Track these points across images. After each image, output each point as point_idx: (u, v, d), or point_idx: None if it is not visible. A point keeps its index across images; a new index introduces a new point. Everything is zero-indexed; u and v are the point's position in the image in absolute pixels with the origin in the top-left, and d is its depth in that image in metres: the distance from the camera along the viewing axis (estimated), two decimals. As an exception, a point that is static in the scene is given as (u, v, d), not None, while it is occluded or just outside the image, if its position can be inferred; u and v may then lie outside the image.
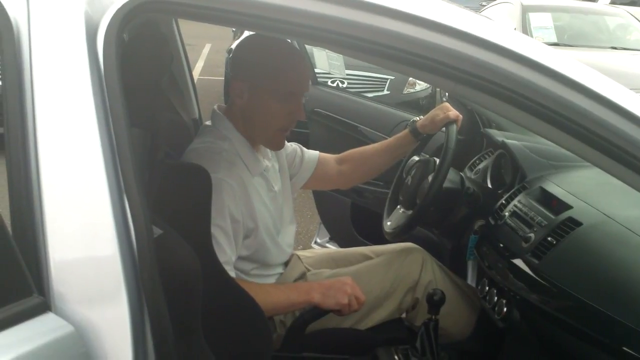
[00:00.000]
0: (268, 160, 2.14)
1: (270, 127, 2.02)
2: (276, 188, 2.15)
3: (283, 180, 2.24)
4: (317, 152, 2.47)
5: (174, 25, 2.64)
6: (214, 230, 1.80)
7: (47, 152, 1.13)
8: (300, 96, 2.01)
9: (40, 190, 1.11)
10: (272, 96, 1.97)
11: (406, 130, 2.50)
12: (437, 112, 2.44)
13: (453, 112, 2.40)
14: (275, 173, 2.19)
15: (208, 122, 2.10)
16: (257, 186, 2.04)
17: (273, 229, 2.11)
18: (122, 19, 1.18)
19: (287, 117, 2.00)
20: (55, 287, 1.11)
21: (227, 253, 1.91)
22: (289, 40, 2.08)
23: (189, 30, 1.97)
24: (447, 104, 2.47)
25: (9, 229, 1.10)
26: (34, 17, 1.17)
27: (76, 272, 1.12)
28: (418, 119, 2.49)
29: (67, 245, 1.12)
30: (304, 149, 2.45)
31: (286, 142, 2.30)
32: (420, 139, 2.50)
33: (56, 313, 1.10)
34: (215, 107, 2.10)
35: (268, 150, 2.17)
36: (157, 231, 1.27)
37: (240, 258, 2.04)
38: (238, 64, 2.02)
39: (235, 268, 2.03)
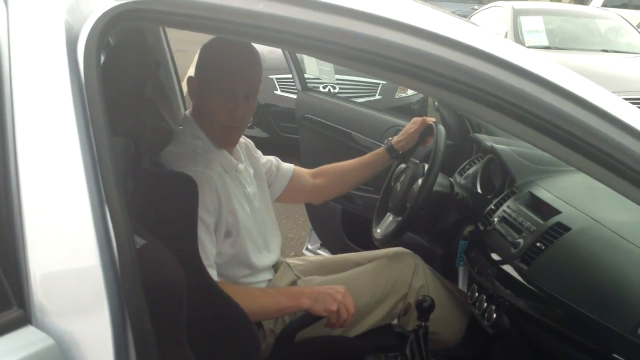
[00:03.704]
0: (241, 163, 2.16)
1: (213, 122, 2.05)
2: (249, 190, 2.16)
3: (260, 186, 2.27)
4: (292, 166, 2.52)
5: (161, 31, 2.63)
6: None
7: (27, 162, 1.11)
8: (237, 95, 2.01)
9: (20, 200, 1.10)
10: (209, 91, 2.02)
11: (382, 148, 2.57)
12: (410, 126, 2.56)
13: (426, 119, 2.51)
14: (250, 177, 2.21)
15: (180, 127, 2.13)
16: (231, 183, 2.06)
17: (252, 230, 2.12)
18: (102, 28, 1.17)
19: (227, 114, 2.02)
20: (36, 299, 1.09)
21: (206, 247, 1.92)
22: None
23: (181, 36, 1.97)
24: (417, 118, 2.57)
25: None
26: (13, 25, 1.16)
27: (57, 284, 1.10)
28: (392, 138, 2.57)
29: (47, 256, 1.10)
30: (280, 161, 2.49)
31: (261, 153, 2.33)
32: (394, 155, 2.55)
33: (36, 326, 1.08)
34: (187, 112, 2.14)
35: (241, 153, 2.21)
36: (140, 241, 1.25)
37: (228, 263, 2.04)
38: (196, 64, 2.07)
39: (225, 275, 2.02)
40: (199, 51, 2.07)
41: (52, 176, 1.12)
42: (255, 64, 2.06)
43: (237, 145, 2.19)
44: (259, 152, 2.38)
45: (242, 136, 2.32)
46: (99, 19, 1.17)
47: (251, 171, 2.23)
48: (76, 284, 1.11)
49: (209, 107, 2.03)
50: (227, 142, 2.11)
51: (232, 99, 2.01)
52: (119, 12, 1.18)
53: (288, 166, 2.50)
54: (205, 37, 1.98)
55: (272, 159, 2.46)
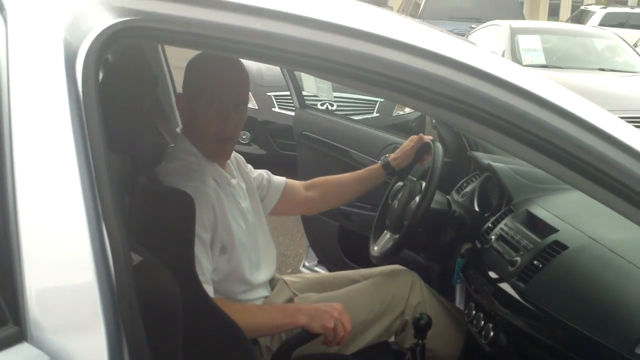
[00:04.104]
0: (233, 178, 2.16)
1: (205, 135, 2.03)
2: (243, 205, 2.15)
3: (252, 201, 2.26)
4: (284, 178, 2.52)
5: (159, 48, 2.64)
6: None
7: (25, 178, 1.11)
8: (224, 106, 2.01)
9: (17, 217, 1.10)
10: (198, 104, 2.01)
11: (378, 164, 2.58)
12: (407, 144, 2.57)
13: (423, 137, 2.52)
14: (243, 192, 2.20)
15: (172, 145, 2.12)
16: (225, 199, 2.06)
17: (247, 246, 2.11)
18: (101, 45, 1.17)
19: (219, 125, 2.02)
20: (31, 316, 1.09)
21: (203, 263, 1.91)
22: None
23: (179, 52, 1.98)
24: (415, 136, 2.57)
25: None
26: (12, 43, 1.16)
27: (52, 301, 1.10)
28: (388, 155, 2.57)
29: (43, 273, 1.10)
30: (271, 174, 2.49)
31: (252, 167, 2.33)
32: (390, 172, 2.56)
33: (32, 343, 1.08)
34: (178, 129, 2.15)
35: (233, 168, 2.21)
36: (136, 258, 1.25)
37: (224, 279, 2.04)
38: (183, 80, 2.07)
39: (221, 292, 2.02)
40: (188, 69, 2.06)
41: (49, 192, 1.11)
42: (242, 72, 2.06)
43: (229, 160, 2.19)
44: (250, 166, 2.38)
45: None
46: (98, 36, 1.17)
47: (243, 186, 2.23)
48: (72, 300, 1.10)
49: (200, 120, 2.02)
50: (221, 155, 2.11)
51: (223, 110, 2.00)
52: (117, 29, 1.18)
53: (279, 179, 2.50)
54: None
55: (263, 172, 2.46)
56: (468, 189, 2.84)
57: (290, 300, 2.30)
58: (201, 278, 1.80)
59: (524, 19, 14.65)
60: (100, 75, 1.29)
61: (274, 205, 2.46)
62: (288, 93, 3.77)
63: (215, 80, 2.00)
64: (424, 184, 2.38)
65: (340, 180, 2.59)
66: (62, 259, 1.10)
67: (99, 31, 1.17)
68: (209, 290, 1.87)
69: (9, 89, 1.14)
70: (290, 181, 2.53)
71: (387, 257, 2.42)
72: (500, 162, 2.68)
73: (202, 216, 1.89)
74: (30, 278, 1.09)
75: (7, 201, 1.10)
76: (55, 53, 1.16)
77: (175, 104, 2.76)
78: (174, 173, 1.96)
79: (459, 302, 2.62)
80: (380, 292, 2.32)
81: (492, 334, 2.08)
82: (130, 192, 1.44)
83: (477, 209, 2.68)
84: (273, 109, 6.80)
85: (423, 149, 2.53)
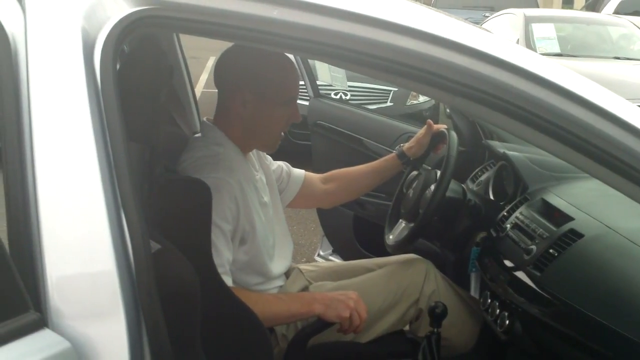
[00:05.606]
0: (256, 171, 2.17)
1: (272, 132, 2.10)
2: (265, 199, 2.16)
3: (272, 194, 2.27)
4: (303, 171, 2.53)
5: (175, 38, 2.65)
6: (212, 231, 1.80)
7: (45, 167, 1.12)
8: (295, 100, 2.10)
9: (37, 205, 1.11)
10: (277, 104, 2.05)
11: (393, 154, 2.57)
12: (421, 132, 2.55)
13: (437, 126, 2.51)
14: (264, 185, 2.21)
15: (198, 134, 2.12)
16: (249, 192, 2.06)
17: (266, 239, 2.12)
18: (118, 35, 1.18)
19: (287, 121, 2.10)
20: (52, 303, 1.10)
21: (223, 255, 1.91)
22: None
23: (193, 43, 1.99)
24: (429, 124, 2.55)
25: (6, 244, 1.09)
26: (31, 32, 1.17)
27: (73, 288, 1.11)
28: (403, 145, 2.56)
29: (64, 260, 1.11)
30: (290, 167, 2.50)
31: (271, 159, 2.36)
32: (405, 162, 2.55)
33: (53, 329, 1.09)
34: (205, 119, 2.14)
35: (255, 162, 2.21)
36: (155, 246, 1.26)
37: (241, 270, 2.05)
38: (235, 74, 2.05)
39: (237, 282, 2.03)
40: (222, 60, 2.06)
41: (69, 181, 1.13)
42: (294, 64, 2.14)
43: (251, 153, 2.19)
44: (269, 158, 2.39)
45: None
46: (115, 25, 1.18)
47: (264, 179, 2.24)
48: (92, 287, 1.11)
49: (271, 120, 2.06)
50: (275, 146, 2.16)
51: (293, 106, 2.08)
52: (135, 18, 1.19)
53: (299, 172, 2.50)
54: (218, 45, 1.99)
55: (283, 164, 2.46)
56: (483, 177, 2.84)
57: (305, 288, 2.31)
58: (220, 270, 1.81)
59: (538, 7, 14.55)
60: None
61: (292, 198, 2.47)
62: (302, 82, 3.77)
63: (289, 77, 2.06)
64: (438, 173, 2.38)
65: (357, 172, 2.58)
66: (82, 247, 1.12)
67: (116, 20, 1.18)
68: (228, 281, 1.88)
69: (28, 78, 1.15)
70: (309, 174, 2.53)
71: (402, 246, 2.42)
72: (515, 151, 2.68)
73: (224, 208, 1.90)
74: (51, 266, 1.10)
75: (27, 190, 1.11)
76: (74, 42, 1.16)
77: (190, 94, 2.78)
78: (201, 163, 1.97)
79: (474, 291, 2.62)
80: (395, 280, 2.33)
81: (507, 322, 2.08)
82: (149, 181, 1.44)
83: (492, 197, 2.68)
84: (287, 99, 6.78)
85: (438, 138, 2.52)
